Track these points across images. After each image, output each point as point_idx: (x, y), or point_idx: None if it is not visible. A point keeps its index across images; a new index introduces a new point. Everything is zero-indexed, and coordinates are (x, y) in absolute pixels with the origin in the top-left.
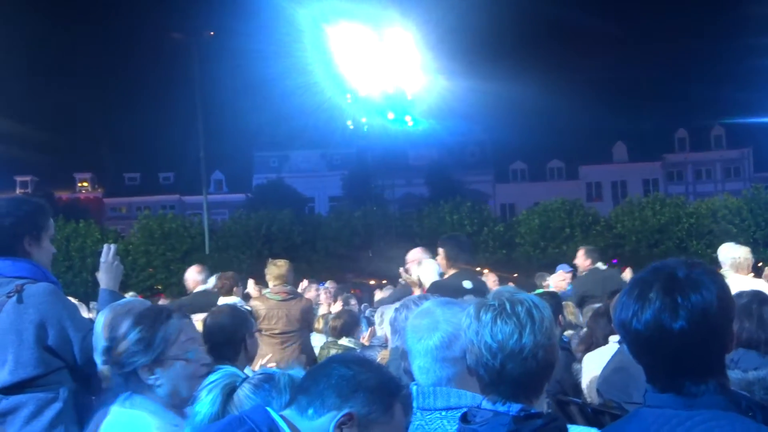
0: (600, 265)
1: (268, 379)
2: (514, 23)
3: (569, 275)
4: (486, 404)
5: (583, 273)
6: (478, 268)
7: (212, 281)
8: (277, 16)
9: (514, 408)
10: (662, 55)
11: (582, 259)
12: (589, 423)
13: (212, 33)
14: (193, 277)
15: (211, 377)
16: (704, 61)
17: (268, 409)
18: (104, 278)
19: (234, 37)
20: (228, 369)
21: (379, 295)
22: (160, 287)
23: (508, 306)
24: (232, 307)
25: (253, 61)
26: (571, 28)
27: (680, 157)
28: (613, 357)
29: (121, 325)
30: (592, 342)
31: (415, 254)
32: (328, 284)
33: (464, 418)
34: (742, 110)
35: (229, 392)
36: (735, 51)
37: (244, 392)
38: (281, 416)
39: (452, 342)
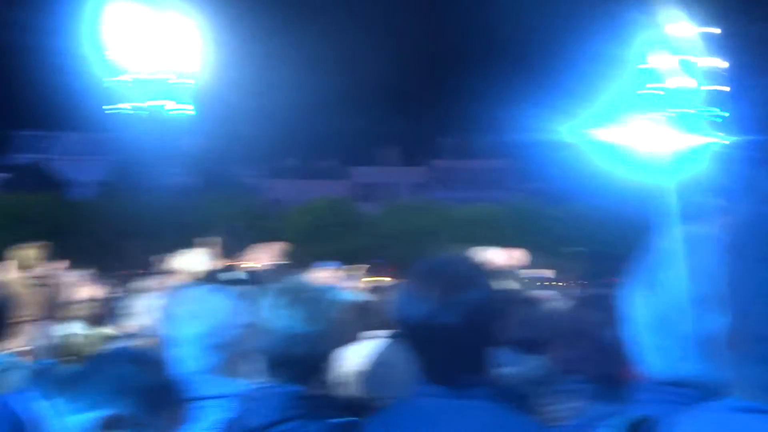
0: None
1: (47, 368)
2: (295, 24)
3: (337, 272)
4: (265, 387)
5: None
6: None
7: None
8: None
9: (293, 389)
10: (435, 63)
11: None
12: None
13: None
14: None
15: None
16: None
17: (32, 394)
18: None
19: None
20: (4, 355)
21: (142, 283)
22: None
23: (293, 292)
24: None
25: (20, 31)
26: (350, 34)
27: (448, 163)
28: (377, 351)
29: None
30: (346, 336)
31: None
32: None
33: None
34: (508, 123)
35: None
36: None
37: (16, 378)
38: (47, 405)
39: (217, 330)
